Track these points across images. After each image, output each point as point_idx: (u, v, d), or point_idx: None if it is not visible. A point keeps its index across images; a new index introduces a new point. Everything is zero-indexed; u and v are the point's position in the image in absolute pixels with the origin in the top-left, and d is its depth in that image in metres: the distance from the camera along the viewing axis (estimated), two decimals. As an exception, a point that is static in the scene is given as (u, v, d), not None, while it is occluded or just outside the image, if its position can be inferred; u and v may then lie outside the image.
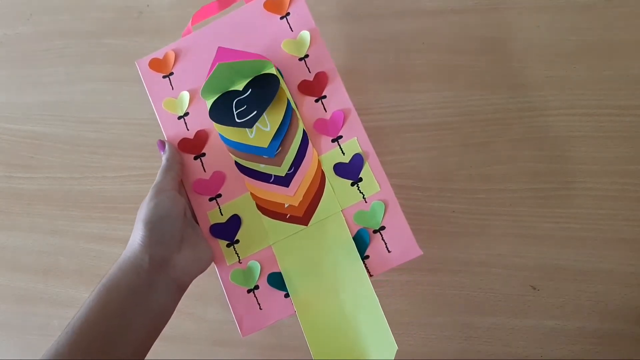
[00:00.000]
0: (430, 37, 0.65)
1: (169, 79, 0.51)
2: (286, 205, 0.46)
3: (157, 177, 0.45)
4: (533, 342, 0.54)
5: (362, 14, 0.67)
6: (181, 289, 0.43)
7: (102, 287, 0.40)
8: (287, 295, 0.44)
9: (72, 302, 0.62)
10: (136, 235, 0.41)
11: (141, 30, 0.72)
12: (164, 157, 0.47)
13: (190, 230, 0.45)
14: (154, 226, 0.41)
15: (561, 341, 0.54)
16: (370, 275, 0.44)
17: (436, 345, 0.56)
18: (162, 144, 0.48)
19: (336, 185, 0.46)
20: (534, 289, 0.56)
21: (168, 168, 0.46)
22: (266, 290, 0.45)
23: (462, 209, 0.59)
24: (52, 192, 0.67)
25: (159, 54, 0.51)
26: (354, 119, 0.47)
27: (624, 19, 0.62)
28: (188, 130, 0.49)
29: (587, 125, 0.59)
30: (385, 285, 0.58)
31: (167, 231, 0.42)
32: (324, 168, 0.46)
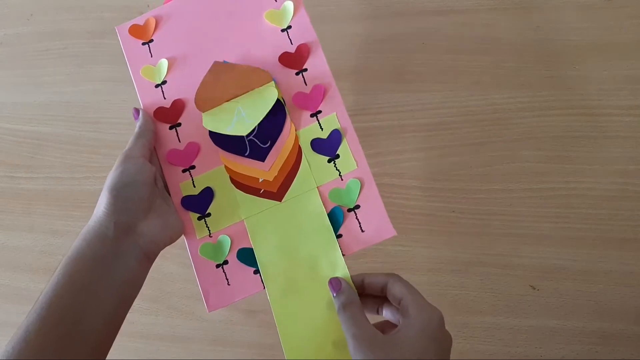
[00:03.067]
0: (430, 37, 0.65)
1: (149, 46, 0.50)
2: (260, 180, 0.45)
3: (128, 144, 0.44)
4: (533, 342, 0.54)
5: (362, 14, 0.67)
6: (149, 257, 0.42)
7: (67, 259, 0.39)
8: (256, 272, 0.43)
9: (72, 302, 0.62)
10: (100, 203, 0.40)
11: (141, 30, 0.72)
12: (137, 125, 0.46)
13: (161, 200, 0.44)
14: (118, 192, 0.40)
15: (561, 341, 0.54)
16: (343, 255, 0.43)
17: (436, 345, 0.56)
18: (136, 111, 0.47)
19: (313, 162, 0.45)
20: (534, 289, 0.56)
21: (139, 135, 0.45)
22: (235, 266, 0.44)
23: (462, 209, 0.59)
24: (52, 192, 0.67)
25: (139, 20, 0.50)
26: (334, 93, 0.46)
27: (624, 19, 0.62)
28: (165, 99, 0.48)
29: (587, 125, 0.59)
30: (385, 285, 0.58)
31: (133, 197, 0.41)
32: (301, 143, 0.45)
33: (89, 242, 0.39)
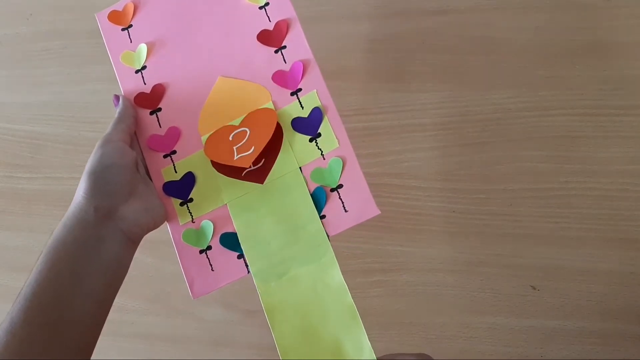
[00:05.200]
0: (430, 37, 0.65)
1: (128, 32, 0.49)
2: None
3: (107, 129, 0.44)
4: (533, 342, 0.54)
5: (362, 13, 0.67)
6: (133, 241, 0.42)
7: (48, 247, 0.38)
8: (240, 257, 0.43)
9: (72, 302, 0.62)
10: (80, 188, 0.40)
11: (141, 30, 0.72)
12: (117, 110, 0.46)
13: (143, 186, 0.43)
14: (97, 177, 0.40)
15: (561, 341, 0.54)
16: (328, 237, 0.42)
17: (436, 345, 0.56)
18: (116, 98, 0.47)
19: (294, 142, 0.44)
20: (534, 289, 0.56)
21: (118, 120, 0.45)
22: (219, 251, 0.43)
23: (462, 209, 0.59)
24: (52, 192, 0.67)
25: (118, 6, 0.50)
26: (314, 70, 0.45)
27: (624, 19, 0.62)
28: (145, 84, 0.48)
29: (587, 125, 0.59)
30: (386, 285, 0.58)
31: (113, 181, 0.40)
32: (282, 122, 0.44)
33: (69, 229, 0.39)
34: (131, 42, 0.49)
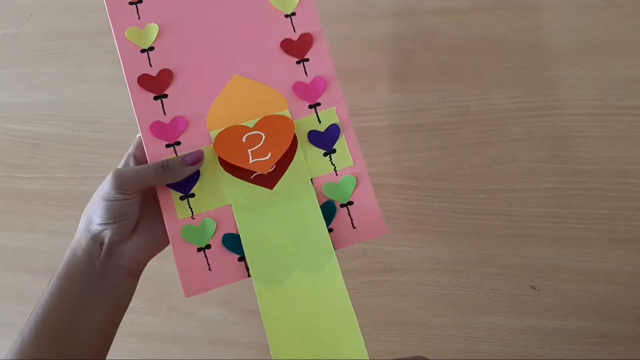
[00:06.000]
0: (430, 37, 0.65)
1: (136, 7, 0.45)
2: (251, 161, 0.43)
3: (124, 160, 0.43)
4: (533, 342, 0.54)
5: (362, 14, 0.67)
6: (134, 275, 0.42)
7: (58, 274, 0.40)
8: (241, 259, 0.42)
9: (72, 302, 0.62)
10: (84, 221, 0.41)
11: (141, 30, 0.72)
12: (168, 162, 0.41)
13: (145, 219, 0.42)
14: (103, 212, 0.40)
15: (561, 341, 0.54)
16: (332, 245, 0.42)
17: (436, 345, 0.56)
18: (193, 158, 0.42)
19: (308, 153, 0.44)
20: (534, 289, 0.56)
21: (157, 167, 0.41)
22: (218, 251, 0.42)
23: (462, 209, 0.59)
24: (52, 192, 0.67)
25: None
26: (336, 87, 0.45)
27: (624, 19, 0.62)
28: (151, 66, 0.45)
29: (587, 125, 0.59)
30: (386, 285, 0.58)
31: (117, 222, 0.40)
32: (298, 133, 0.44)
33: (78, 258, 0.40)
34: (139, 18, 0.45)
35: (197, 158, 0.42)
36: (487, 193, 0.59)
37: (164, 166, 0.41)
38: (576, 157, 0.59)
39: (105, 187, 0.40)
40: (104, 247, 0.40)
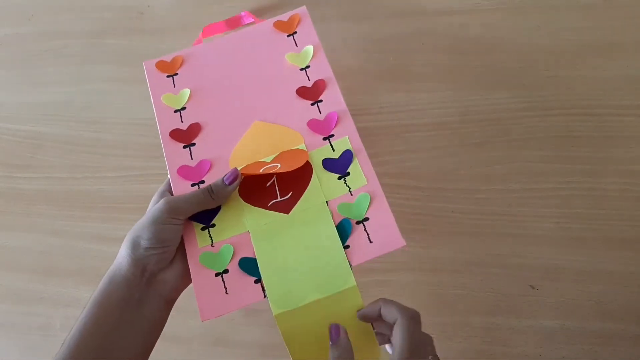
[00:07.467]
0: (430, 37, 0.65)
1: (172, 78, 0.53)
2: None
3: (176, 197, 0.44)
4: (533, 342, 0.54)
5: (362, 14, 0.67)
6: (169, 303, 0.44)
7: (94, 301, 0.40)
8: (257, 281, 0.43)
9: (72, 302, 0.62)
10: (127, 247, 0.41)
11: (142, 30, 0.72)
12: (213, 187, 0.44)
13: (183, 249, 0.44)
14: (147, 239, 0.41)
15: (561, 341, 0.54)
16: (350, 265, 0.42)
17: (436, 345, 0.56)
18: (234, 176, 0.45)
19: (323, 178, 0.46)
20: (534, 289, 0.56)
21: (207, 196, 0.44)
22: (236, 274, 0.43)
23: (462, 209, 0.59)
24: (52, 192, 0.67)
25: (167, 58, 0.54)
26: (348, 121, 0.48)
27: (624, 19, 0.62)
28: (182, 122, 0.50)
29: (587, 125, 0.59)
30: (386, 285, 0.58)
31: (159, 249, 0.41)
32: (313, 162, 0.47)
33: (116, 286, 0.41)
34: (174, 87, 0.53)
35: (235, 175, 0.44)
36: (487, 193, 0.59)
37: (209, 190, 0.43)
38: (576, 157, 0.59)
39: (156, 212, 0.41)
40: (146, 274, 0.41)
